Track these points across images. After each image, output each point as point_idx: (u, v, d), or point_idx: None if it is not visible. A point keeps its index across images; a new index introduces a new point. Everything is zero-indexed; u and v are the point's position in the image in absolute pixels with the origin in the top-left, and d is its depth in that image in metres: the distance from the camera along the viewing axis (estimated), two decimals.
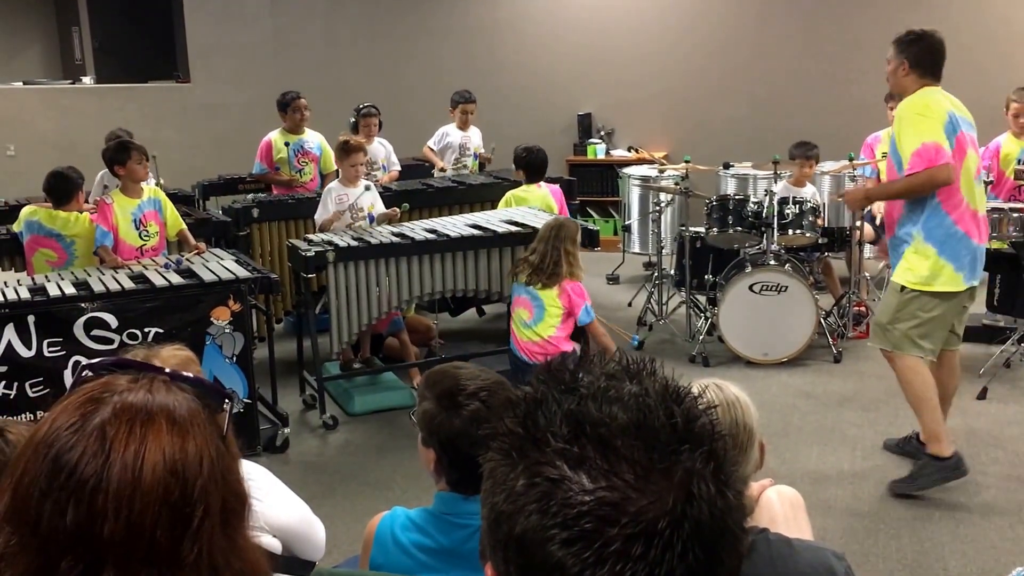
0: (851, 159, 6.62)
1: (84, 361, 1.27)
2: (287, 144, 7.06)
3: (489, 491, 0.87)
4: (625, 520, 0.78)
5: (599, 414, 0.83)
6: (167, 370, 1.16)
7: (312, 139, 7.18)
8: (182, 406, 1.07)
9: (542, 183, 6.25)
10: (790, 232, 6.12)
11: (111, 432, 1.01)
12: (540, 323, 4.91)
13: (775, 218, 6.04)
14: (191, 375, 1.24)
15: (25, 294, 4.53)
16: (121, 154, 5.32)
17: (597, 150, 9.36)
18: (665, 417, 0.83)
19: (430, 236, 5.43)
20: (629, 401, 0.84)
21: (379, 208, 5.94)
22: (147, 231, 5.38)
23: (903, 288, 4.23)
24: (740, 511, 0.84)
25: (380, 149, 7.24)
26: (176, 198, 6.29)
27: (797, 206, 6.11)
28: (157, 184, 6.12)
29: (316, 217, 5.82)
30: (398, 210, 5.93)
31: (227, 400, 1.21)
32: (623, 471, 0.80)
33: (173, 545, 1.00)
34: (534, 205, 6.07)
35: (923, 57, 4.21)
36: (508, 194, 6.27)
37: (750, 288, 5.94)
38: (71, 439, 1.01)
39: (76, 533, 0.98)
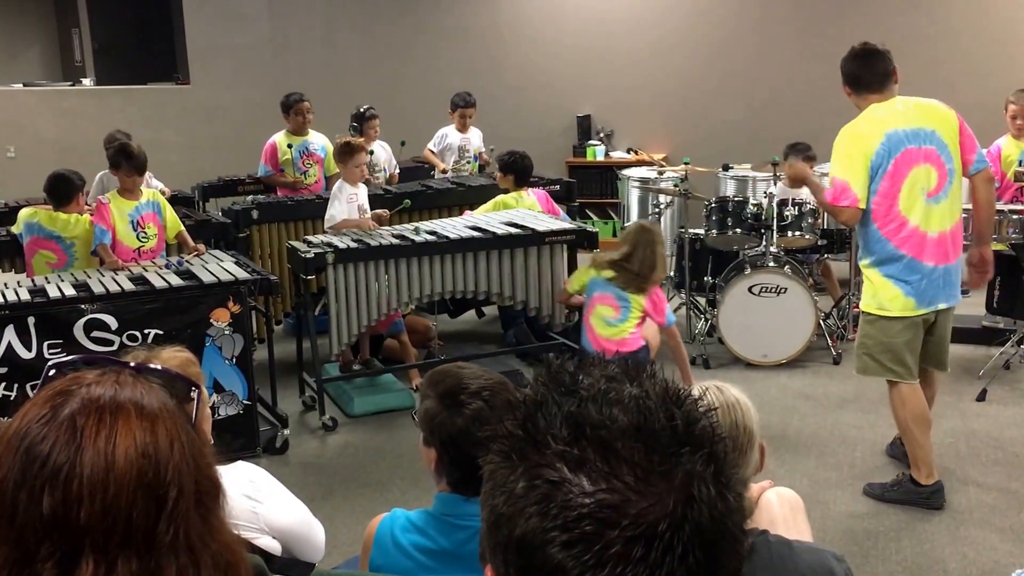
0: None
1: None
2: (291, 146, 7.05)
3: (489, 493, 0.87)
4: (625, 522, 0.78)
5: (599, 416, 0.83)
6: (132, 363, 1.18)
7: (316, 141, 7.17)
8: (150, 395, 1.09)
9: (529, 189, 6.24)
10: (789, 234, 6.12)
11: (81, 422, 1.03)
12: (624, 322, 4.96)
13: (774, 220, 6.04)
14: (157, 366, 1.27)
15: (25, 295, 4.53)
16: (117, 157, 5.34)
17: (596, 152, 9.36)
18: (665, 419, 0.83)
19: (430, 238, 5.42)
20: (629, 403, 0.84)
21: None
22: (145, 233, 5.38)
23: (864, 313, 4.25)
24: (740, 513, 0.84)
25: (381, 152, 7.23)
26: (176, 200, 6.29)
27: (796, 208, 6.11)
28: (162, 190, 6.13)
29: (328, 214, 5.74)
30: (388, 211, 5.92)
31: (194, 389, 1.23)
32: (623, 473, 0.80)
33: (149, 527, 1.01)
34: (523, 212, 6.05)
35: (853, 72, 4.09)
36: (497, 199, 6.25)
37: (749, 290, 5.94)
38: (42, 430, 1.02)
39: (53, 520, 0.99)
